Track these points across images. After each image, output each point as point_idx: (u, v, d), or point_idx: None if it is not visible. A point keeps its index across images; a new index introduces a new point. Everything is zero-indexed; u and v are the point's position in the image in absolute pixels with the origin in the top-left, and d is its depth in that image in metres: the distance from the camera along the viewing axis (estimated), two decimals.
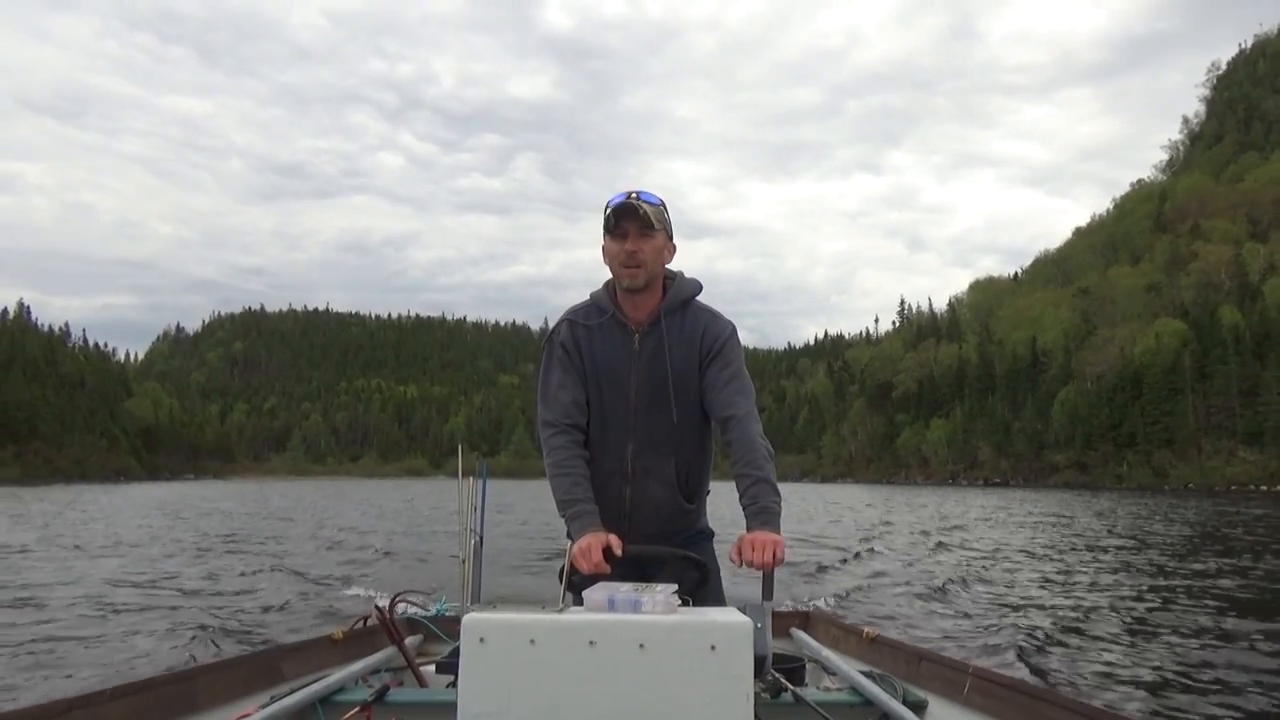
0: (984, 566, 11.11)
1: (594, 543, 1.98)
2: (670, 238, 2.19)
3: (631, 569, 2.04)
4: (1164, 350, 71.40)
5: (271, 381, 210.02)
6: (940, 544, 14.63)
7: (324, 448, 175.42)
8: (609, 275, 2.19)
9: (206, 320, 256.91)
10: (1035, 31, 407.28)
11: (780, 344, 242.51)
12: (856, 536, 15.99)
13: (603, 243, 2.16)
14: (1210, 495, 51.05)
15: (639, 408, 2.18)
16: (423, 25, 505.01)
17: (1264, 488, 60.30)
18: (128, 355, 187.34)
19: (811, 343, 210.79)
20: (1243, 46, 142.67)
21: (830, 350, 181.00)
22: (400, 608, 2.75)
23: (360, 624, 2.89)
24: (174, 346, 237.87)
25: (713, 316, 2.22)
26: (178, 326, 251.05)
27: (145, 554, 12.20)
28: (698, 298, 2.24)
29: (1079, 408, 76.20)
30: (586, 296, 2.26)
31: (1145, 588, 8.98)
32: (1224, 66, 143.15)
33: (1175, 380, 69.26)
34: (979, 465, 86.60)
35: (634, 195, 2.14)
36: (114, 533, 16.11)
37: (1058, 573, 10.42)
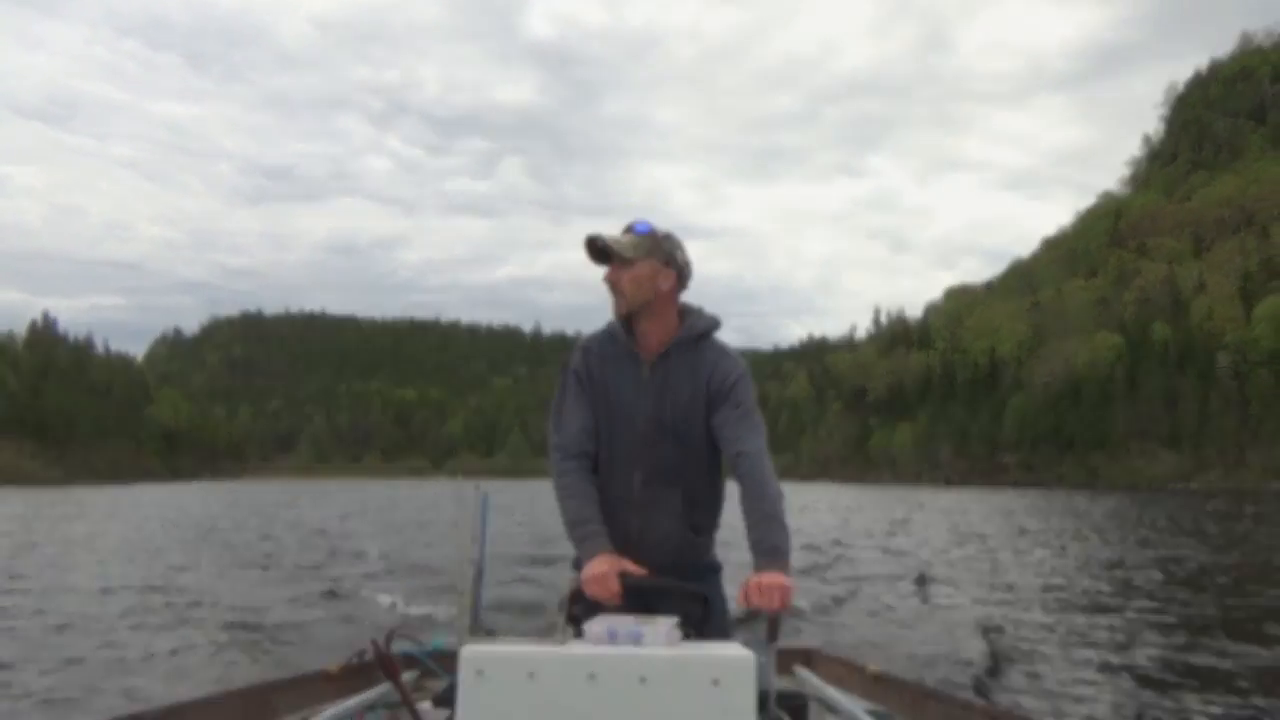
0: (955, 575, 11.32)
1: (610, 570, 2.00)
2: (668, 264, 2.19)
3: (634, 600, 2.03)
4: (1100, 361, 79.54)
5: (273, 385, 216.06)
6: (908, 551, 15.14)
7: (329, 449, 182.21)
8: (600, 284, 2.22)
9: (203, 323, 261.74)
10: (1007, 41, 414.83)
11: (767, 344, 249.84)
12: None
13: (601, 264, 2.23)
14: (1134, 492, 58.66)
15: (646, 438, 2.20)
16: (408, 33, 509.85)
17: (1180, 485, 68.41)
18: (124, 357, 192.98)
19: (796, 345, 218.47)
20: (1199, 69, 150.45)
21: (814, 353, 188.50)
22: (397, 641, 2.63)
23: (356, 658, 2.87)
24: (173, 349, 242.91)
25: (723, 355, 2.24)
26: (176, 330, 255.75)
27: (158, 563, 12.69)
28: (715, 334, 2.26)
29: (1027, 413, 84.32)
30: (580, 307, 2.99)
31: (1126, 601, 9.15)
32: (1181, 87, 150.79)
33: (1109, 389, 77.38)
34: (940, 466, 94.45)
35: (627, 229, 2.21)
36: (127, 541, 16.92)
37: (1023, 584, 10.57)
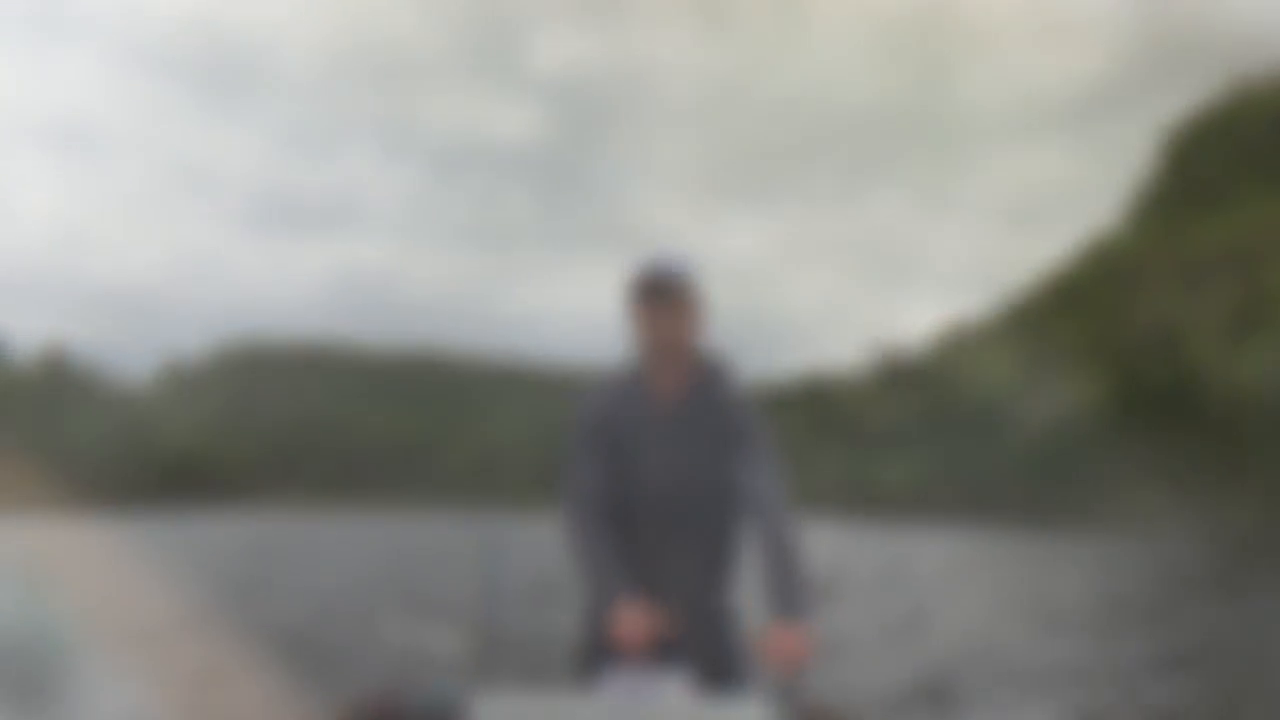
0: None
1: (642, 619, 1.95)
2: (700, 303, 2.15)
3: (655, 650, 2.00)
4: (1094, 399, 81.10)
5: (280, 412, 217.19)
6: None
7: (334, 479, 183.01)
8: (615, 323, 2.14)
9: (208, 350, 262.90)
10: (1008, 79, 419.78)
11: (763, 376, 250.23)
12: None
13: (631, 308, 2.14)
14: (1126, 529, 59.86)
15: (662, 484, 2.17)
16: (413, 66, 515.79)
17: (1172, 523, 69.50)
18: (130, 382, 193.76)
19: (794, 377, 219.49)
20: (1194, 108, 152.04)
21: (812, 387, 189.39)
22: (403, 691, 2.51)
23: (359, 708, 2.69)
24: (177, 376, 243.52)
25: (739, 397, 2.23)
26: (180, 356, 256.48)
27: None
28: (729, 373, 2.24)
29: (1022, 451, 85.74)
30: (584, 339, 2.77)
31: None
32: (1176, 126, 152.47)
33: (1102, 427, 78.89)
34: (935, 505, 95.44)
35: (667, 268, 2.08)
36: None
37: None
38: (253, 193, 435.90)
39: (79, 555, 23.96)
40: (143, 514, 75.01)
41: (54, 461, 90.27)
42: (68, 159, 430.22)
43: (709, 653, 2.12)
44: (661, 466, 2.18)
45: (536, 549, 24.89)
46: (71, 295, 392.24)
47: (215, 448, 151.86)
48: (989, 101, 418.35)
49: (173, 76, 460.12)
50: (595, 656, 2.07)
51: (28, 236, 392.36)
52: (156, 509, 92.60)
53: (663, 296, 2.09)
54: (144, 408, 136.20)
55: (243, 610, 11.71)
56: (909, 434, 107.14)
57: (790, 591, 2.00)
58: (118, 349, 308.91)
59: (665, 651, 2.06)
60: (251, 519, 73.18)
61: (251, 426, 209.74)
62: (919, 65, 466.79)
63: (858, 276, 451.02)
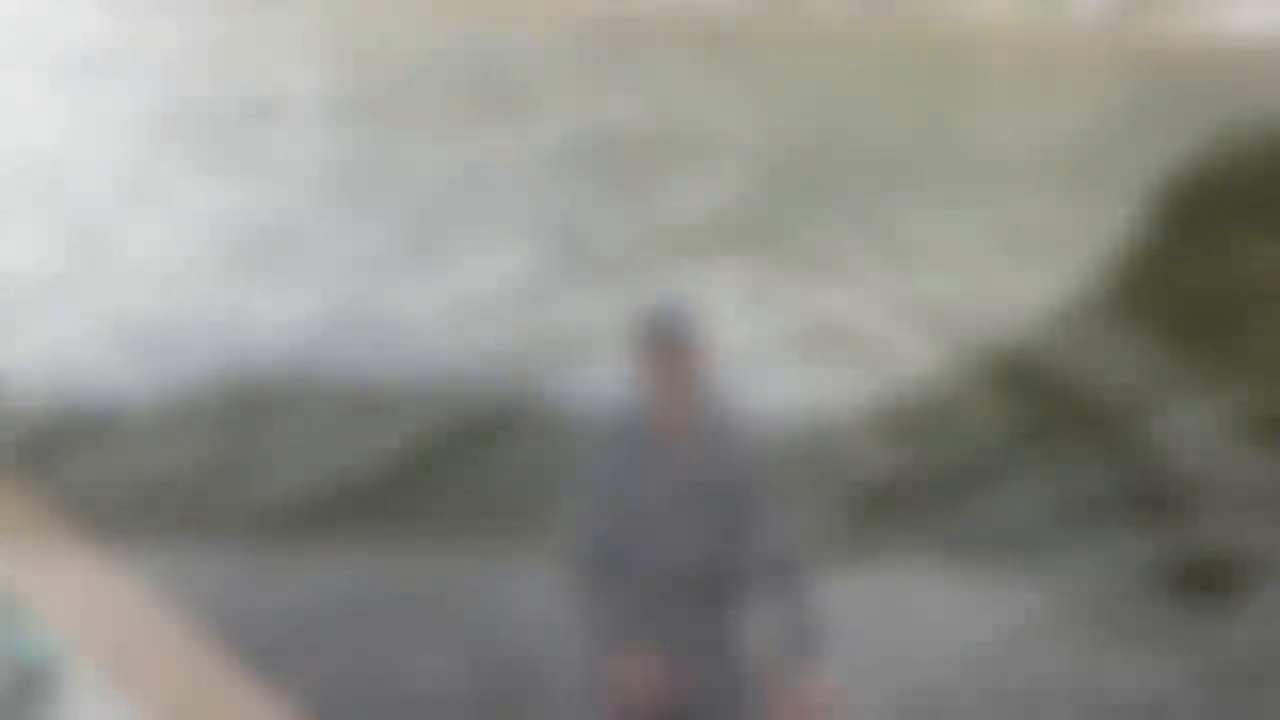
0: None
1: (649, 677, 1.88)
2: (705, 350, 2.06)
3: (662, 707, 1.92)
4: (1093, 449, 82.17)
5: (295, 452, 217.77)
6: None
7: (342, 512, 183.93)
8: (625, 367, 2.12)
9: (213, 387, 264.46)
10: (1005, 125, 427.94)
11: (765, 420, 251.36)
12: None
13: (635, 356, 2.06)
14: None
15: (670, 534, 2.07)
16: (420, 109, 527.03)
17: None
18: (132, 417, 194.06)
19: (795, 424, 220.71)
20: (1187, 155, 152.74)
21: (813, 425, 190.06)
22: None
23: None
24: (179, 411, 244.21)
25: (747, 438, 2.15)
26: (181, 391, 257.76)
27: None
28: (737, 420, 2.16)
29: (1027, 502, 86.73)
30: (609, 391, 2.26)
31: None
32: (1169, 173, 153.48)
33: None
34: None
35: (670, 315, 2.01)
36: None
37: None
38: (258, 227, 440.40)
39: (82, 589, 24.48)
40: (145, 548, 74.47)
41: (55, 495, 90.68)
42: (70, 193, 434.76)
43: (721, 711, 2.06)
44: (670, 517, 2.10)
45: (544, 591, 25.32)
46: (73, 329, 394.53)
47: (220, 481, 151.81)
48: (986, 144, 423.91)
49: (178, 130, 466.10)
50: (602, 713, 2.03)
51: (28, 269, 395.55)
52: (159, 543, 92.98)
53: (666, 345, 2.03)
54: (146, 442, 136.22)
55: (246, 646, 11.84)
56: (909, 479, 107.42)
57: (807, 647, 1.94)
58: (120, 384, 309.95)
59: (675, 709, 2.00)
60: (256, 553, 72.52)
61: (256, 461, 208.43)
62: (919, 109, 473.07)
63: (862, 316, 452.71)
